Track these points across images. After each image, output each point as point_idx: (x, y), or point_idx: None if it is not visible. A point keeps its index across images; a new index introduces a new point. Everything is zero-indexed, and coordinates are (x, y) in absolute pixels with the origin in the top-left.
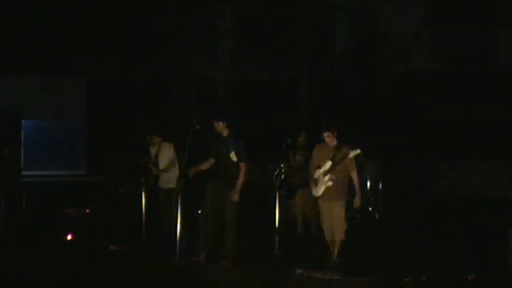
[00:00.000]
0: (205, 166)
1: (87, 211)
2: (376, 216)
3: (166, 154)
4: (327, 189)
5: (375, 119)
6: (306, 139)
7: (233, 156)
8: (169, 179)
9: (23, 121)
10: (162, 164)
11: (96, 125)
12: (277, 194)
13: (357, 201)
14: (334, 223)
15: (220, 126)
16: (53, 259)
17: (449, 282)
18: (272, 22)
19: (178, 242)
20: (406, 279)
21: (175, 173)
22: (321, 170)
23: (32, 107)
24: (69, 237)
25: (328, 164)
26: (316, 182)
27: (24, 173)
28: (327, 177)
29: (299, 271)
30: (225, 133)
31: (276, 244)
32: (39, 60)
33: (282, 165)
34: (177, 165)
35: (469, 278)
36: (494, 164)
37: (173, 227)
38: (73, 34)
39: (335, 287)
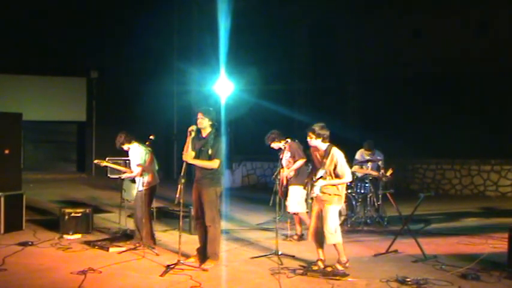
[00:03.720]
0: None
1: (88, 210)
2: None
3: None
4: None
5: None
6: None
7: (211, 153)
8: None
9: (22, 121)
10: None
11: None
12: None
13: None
14: (324, 226)
15: (205, 122)
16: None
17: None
18: None
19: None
20: (408, 280)
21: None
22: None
23: (32, 107)
24: None
25: (320, 172)
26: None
27: (23, 172)
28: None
29: (299, 271)
30: (206, 131)
31: (276, 243)
32: (39, 60)
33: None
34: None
35: None
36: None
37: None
38: (73, 34)
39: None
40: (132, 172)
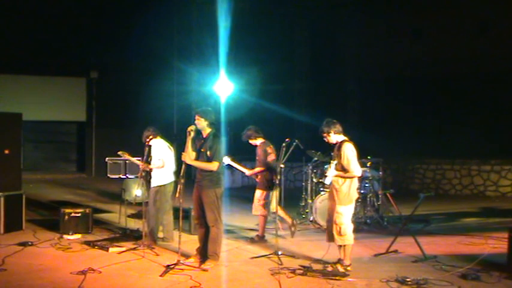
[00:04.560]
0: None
1: (88, 210)
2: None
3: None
4: (331, 189)
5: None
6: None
7: (209, 155)
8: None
9: (22, 121)
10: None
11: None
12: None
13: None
14: (334, 226)
15: (202, 123)
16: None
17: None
18: None
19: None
20: (408, 280)
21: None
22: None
23: (32, 107)
24: None
25: (332, 164)
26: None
27: (23, 172)
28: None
29: (299, 271)
30: (206, 131)
31: (277, 243)
32: (39, 60)
33: (281, 166)
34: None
35: None
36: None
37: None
38: (73, 34)
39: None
40: (149, 166)
